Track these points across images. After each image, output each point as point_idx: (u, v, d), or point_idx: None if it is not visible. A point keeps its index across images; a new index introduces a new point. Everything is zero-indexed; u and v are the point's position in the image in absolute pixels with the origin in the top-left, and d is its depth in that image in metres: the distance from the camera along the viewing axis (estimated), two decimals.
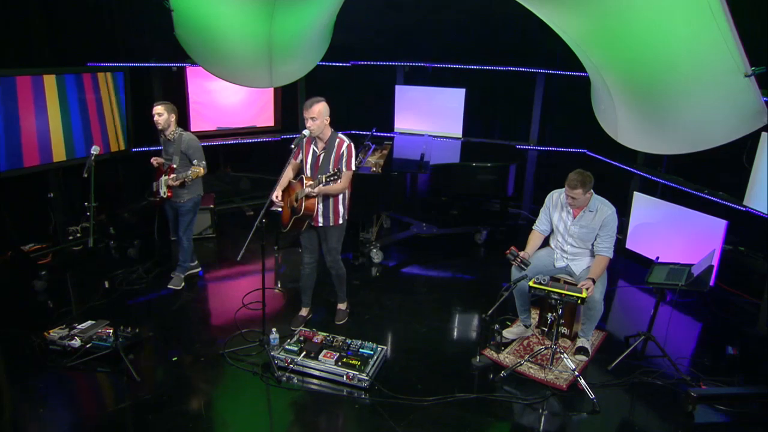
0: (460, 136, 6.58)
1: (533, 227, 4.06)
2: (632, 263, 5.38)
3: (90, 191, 4.25)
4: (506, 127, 6.97)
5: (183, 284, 4.75)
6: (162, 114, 4.40)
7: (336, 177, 3.56)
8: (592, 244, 3.83)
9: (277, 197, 3.80)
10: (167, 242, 5.59)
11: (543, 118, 6.61)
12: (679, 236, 4.94)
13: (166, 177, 4.45)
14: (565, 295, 3.46)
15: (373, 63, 6.96)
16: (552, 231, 4.01)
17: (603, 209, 3.76)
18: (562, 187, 3.84)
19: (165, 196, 4.51)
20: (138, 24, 5.56)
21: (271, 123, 6.89)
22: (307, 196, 3.71)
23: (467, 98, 6.47)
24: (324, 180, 3.58)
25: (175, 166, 4.45)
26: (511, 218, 6.55)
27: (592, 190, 3.73)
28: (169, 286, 4.70)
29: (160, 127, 4.45)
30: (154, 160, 4.63)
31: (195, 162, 4.44)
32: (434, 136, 6.59)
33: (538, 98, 6.52)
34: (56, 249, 5.29)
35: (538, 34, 4.94)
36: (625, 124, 4.36)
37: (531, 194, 6.85)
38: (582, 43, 4.19)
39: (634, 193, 5.39)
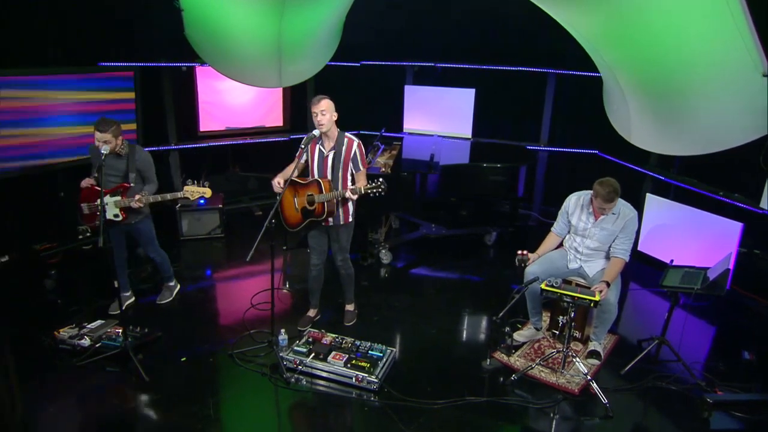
0: (470, 136, 6.52)
1: (551, 228, 4.02)
2: (645, 266, 5.31)
3: (100, 190, 4.24)
4: (516, 127, 6.89)
5: (177, 289, 4.61)
6: (109, 141, 3.74)
7: (381, 189, 3.60)
8: (609, 247, 3.78)
9: (278, 183, 3.73)
10: (176, 242, 5.61)
11: (554, 119, 6.54)
12: (693, 239, 4.87)
13: (119, 198, 3.92)
14: (578, 298, 3.41)
15: (382, 63, 6.93)
16: (569, 232, 3.96)
17: (625, 212, 3.70)
18: (573, 188, 3.79)
19: (119, 219, 3.95)
20: (148, 24, 5.57)
21: (279, 123, 6.88)
22: (345, 199, 3.74)
23: (477, 98, 6.42)
24: (363, 191, 3.62)
25: (132, 184, 3.94)
26: (521, 219, 6.48)
27: None
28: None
29: (106, 153, 3.74)
30: (87, 182, 4.00)
31: (147, 179, 4.03)
32: (444, 137, 6.55)
33: (549, 98, 6.46)
34: (66, 248, 5.31)
35: (549, 34, 4.88)
36: (638, 125, 4.31)
37: (541, 195, 6.78)
38: (595, 42, 4.14)
39: (647, 194, 5.32)
